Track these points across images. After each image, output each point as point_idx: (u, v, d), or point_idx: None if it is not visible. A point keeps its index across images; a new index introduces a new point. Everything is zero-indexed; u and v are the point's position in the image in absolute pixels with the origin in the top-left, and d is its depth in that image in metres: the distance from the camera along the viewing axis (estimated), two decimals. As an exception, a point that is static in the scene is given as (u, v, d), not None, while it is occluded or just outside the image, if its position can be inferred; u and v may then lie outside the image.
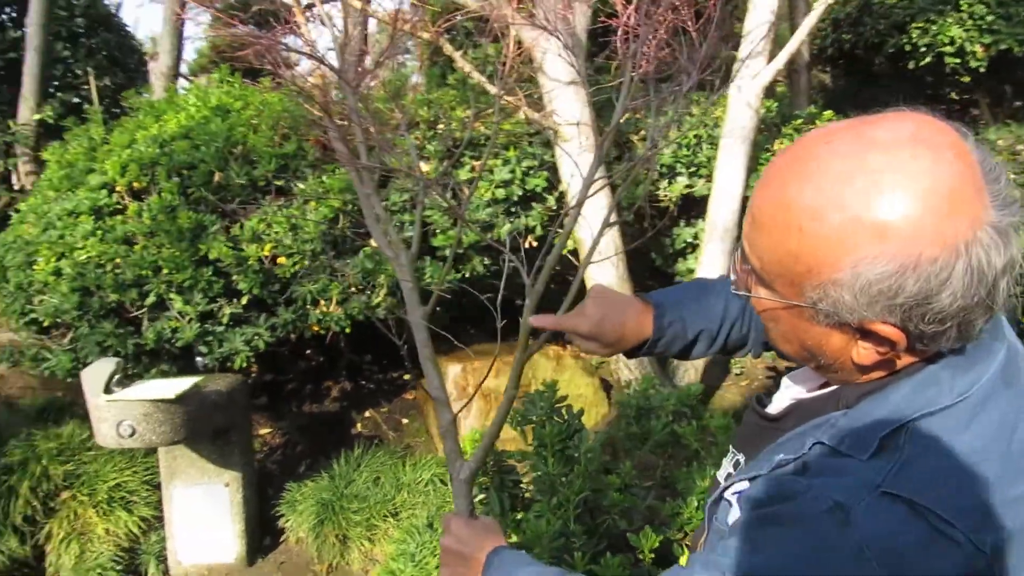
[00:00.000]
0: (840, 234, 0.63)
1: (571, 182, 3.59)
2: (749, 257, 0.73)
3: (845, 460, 0.68)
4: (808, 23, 3.71)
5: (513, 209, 3.73)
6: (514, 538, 2.22)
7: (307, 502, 3.38)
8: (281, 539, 3.51)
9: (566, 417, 2.47)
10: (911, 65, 7.44)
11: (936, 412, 0.67)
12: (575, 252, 3.73)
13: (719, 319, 1.12)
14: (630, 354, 1.15)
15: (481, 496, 2.72)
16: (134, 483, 3.36)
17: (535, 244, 3.83)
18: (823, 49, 9.16)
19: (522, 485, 2.50)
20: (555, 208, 3.76)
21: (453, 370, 3.72)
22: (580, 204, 1.19)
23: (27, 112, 5.82)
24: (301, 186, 3.52)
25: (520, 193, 3.68)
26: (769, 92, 4.11)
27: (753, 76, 3.77)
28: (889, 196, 0.62)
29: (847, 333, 0.69)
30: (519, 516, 2.34)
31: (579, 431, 2.43)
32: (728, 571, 0.69)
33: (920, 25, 7.17)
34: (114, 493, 3.30)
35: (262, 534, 3.52)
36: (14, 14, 6.77)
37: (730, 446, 0.96)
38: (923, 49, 7.20)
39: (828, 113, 4.74)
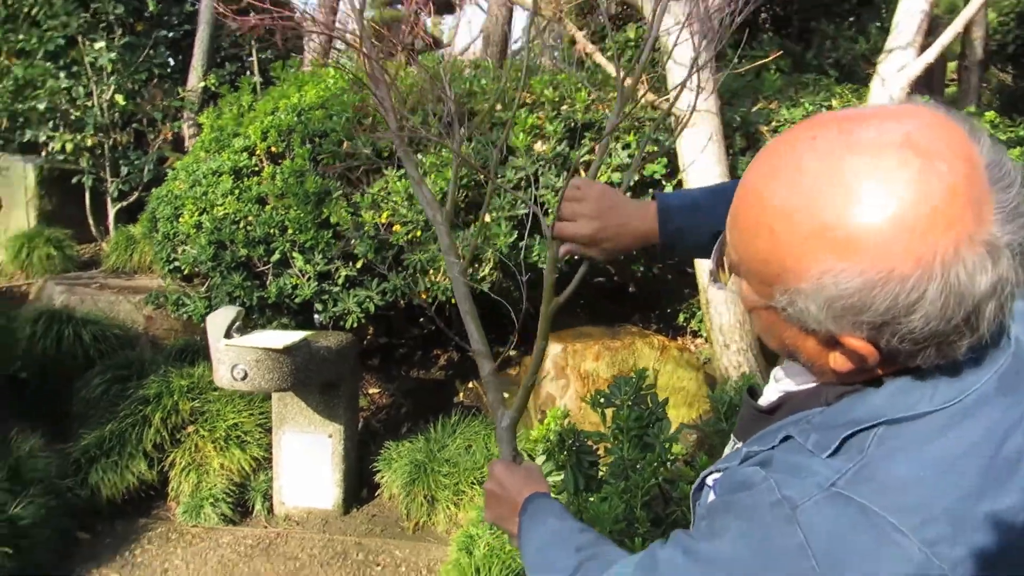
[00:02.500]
0: (808, 242, 0.59)
1: (689, 170, 3.50)
2: (728, 249, 0.71)
3: (806, 457, 0.65)
4: (966, 14, 3.40)
5: (628, 194, 3.68)
6: (582, 518, 2.22)
7: (402, 461, 3.52)
8: (376, 493, 3.69)
9: (650, 405, 2.44)
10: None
11: (913, 418, 0.63)
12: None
13: None
14: (660, 256, 1.13)
15: (558, 474, 2.74)
16: (249, 424, 3.62)
17: (647, 231, 3.78)
18: (1003, 46, 8.38)
19: (598, 467, 2.49)
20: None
21: (554, 349, 3.74)
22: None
23: (195, 80, 6.35)
24: (420, 157, 3.64)
25: (636, 178, 3.62)
26: (932, 89, 3.82)
27: (899, 69, 3.52)
28: (863, 207, 0.56)
29: (819, 341, 0.66)
30: (591, 497, 2.34)
31: (661, 419, 2.40)
32: (688, 552, 0.69)
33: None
34: (231, 432, 3.58)
35: (360, 486, 3.70)
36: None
37: (732, 434, 0.94)
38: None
39: (990, 114, 4.34)
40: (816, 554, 0.59)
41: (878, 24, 4.54)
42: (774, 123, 3.74)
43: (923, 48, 3.60)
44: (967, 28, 3.53)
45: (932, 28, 3.88)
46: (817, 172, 0.59)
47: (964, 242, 0.56)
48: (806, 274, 0.60)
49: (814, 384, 0.74)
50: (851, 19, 5.12)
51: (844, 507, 0.60)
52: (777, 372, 0.86)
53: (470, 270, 3.49)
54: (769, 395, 0.83)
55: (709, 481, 0.79)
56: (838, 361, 0.65)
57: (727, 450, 0.94)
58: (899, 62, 3.51)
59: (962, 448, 0.61)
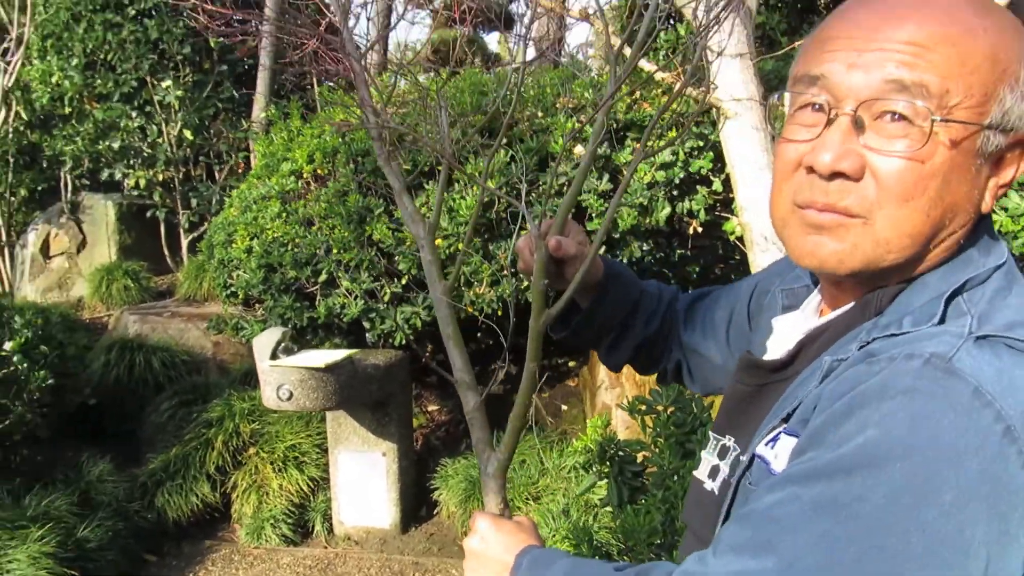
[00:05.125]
0: (1011, 27, 0.61)
1: (737, 162, 3.34)
2: (919, 99, 0.60)
3: (913, 333, 0.60)
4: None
5: (675, 192, 3.55)
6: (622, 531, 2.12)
7: (457, 478, 3.48)
8: (435, 511, 3.65)
9: (694, 410, 2.32)
10: None
11: (979, 281, 0.64)
12: (742, 238, 3.46)
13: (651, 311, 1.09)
14: (556, 327, 1.10)
15: (603, 484, 2.63)
16: (307, 445, 3.66)
17: (699, 229, 3.63)
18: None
19: (643, 477, 2.38)
20: (721, 191, 3.52)
21: (606, 358, 3.63)
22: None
23: (258, 111, 6.55)
24: (460, 171, 3.61)
25: (682, 175, 3.49)
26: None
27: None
28: None
29: (994, 165, 0.64)
30: (630, 509, 2.23)
31: (704, 424, 2.27)
32: (810, 477, 0.56)
33: None
34: (289, 453, 3.62)
35: (418, 505, 3.68)
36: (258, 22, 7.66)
37: (711, 434, 0.83)
38: None
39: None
40: (997, 396, 0.53)
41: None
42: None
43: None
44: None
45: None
46: None
47: None
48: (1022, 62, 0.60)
49: (846, 307, 0.70)
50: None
51: (994, 347, 0.57)
52: (774, 323, 0.81)
53: (514, 281, 3.43)
54: (782, 346, 0.75)
55: (761, 450, 0.67)
56: (987, 198, 0.64)
57: (706, 455, 0.83)
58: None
59: None
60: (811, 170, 0.64)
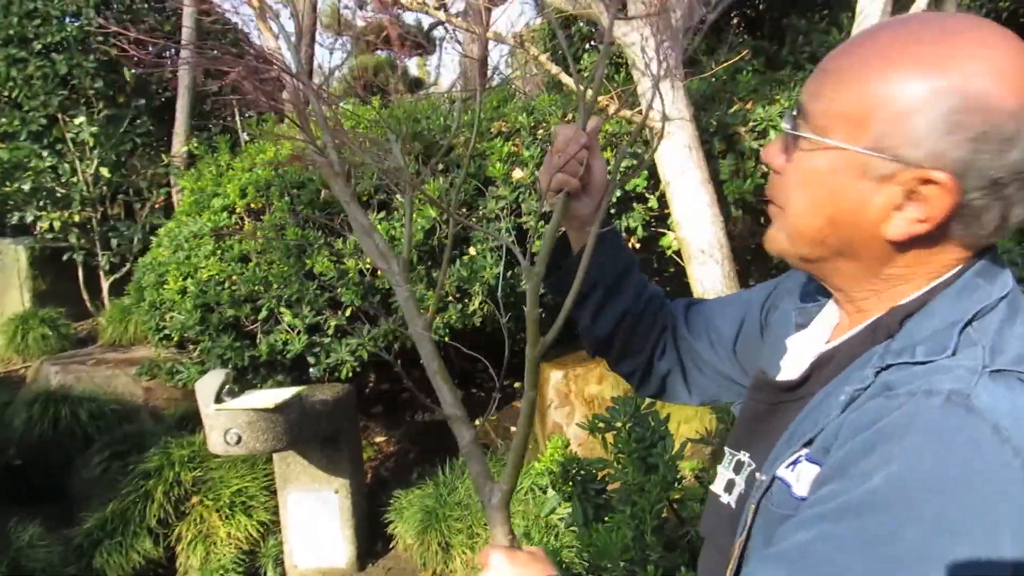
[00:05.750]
0: (940, 48, 0.62)
1: (672, 180, 3.43)
2: (807, 112, 0.69)
3: (929, 365, 0.62)
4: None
5: (612, 211, 3.62)
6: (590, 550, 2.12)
7: (412, 509, 3.42)
8: (391, 545, 3.58)
9: (652, 424, 2.35)
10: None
11: (987, 311, 0.65)
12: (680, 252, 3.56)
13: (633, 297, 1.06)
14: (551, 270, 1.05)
15: (566, 506, 2.63)
16: (254, 488, 3.54)
17: (638, 246, 3.70)
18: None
19: (606, 495, 2.39)
20: (657, 208, 3.61)
21: (555, 376, 3.65)
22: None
23: (178, 145, 6.36)
24: (400, 198, 3.59)
25: (619, 194, 3.56)
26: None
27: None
28: (989, 36, 0.62)
29: (893, 190, 0.65)
30: (599, 528, 2.24)
31: (664, 438, 2.30)
32: (843, 513, 0.58)
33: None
34: (236, 498, 3.49)
35: (373, 540, 3.60)
36: (173, 54, 7.46)
37: (726, 449, 0.85)
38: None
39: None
40: (1013, 433, 0.55)
41: (848, 14, 4.50)
42: (751, 123, 3.67)
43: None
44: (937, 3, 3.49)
45: (898, 10, 3.82)
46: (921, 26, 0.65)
47: None
48: (941, 75, 0.62)
49: (859, 328, 0.72)
50: (823, 12, 5.08)
51: (1007, 381, 0.59)
52: (788, 342, 0.82)
53: (459, 306, 3.42)
54: (795, 366, 0.77)
55: (782, 472, 0.69)
56: (896, 224, 0.65)
57: (722, 470, 0.84)
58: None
59: None
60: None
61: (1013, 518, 0.54)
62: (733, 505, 0.79)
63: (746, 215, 3.75)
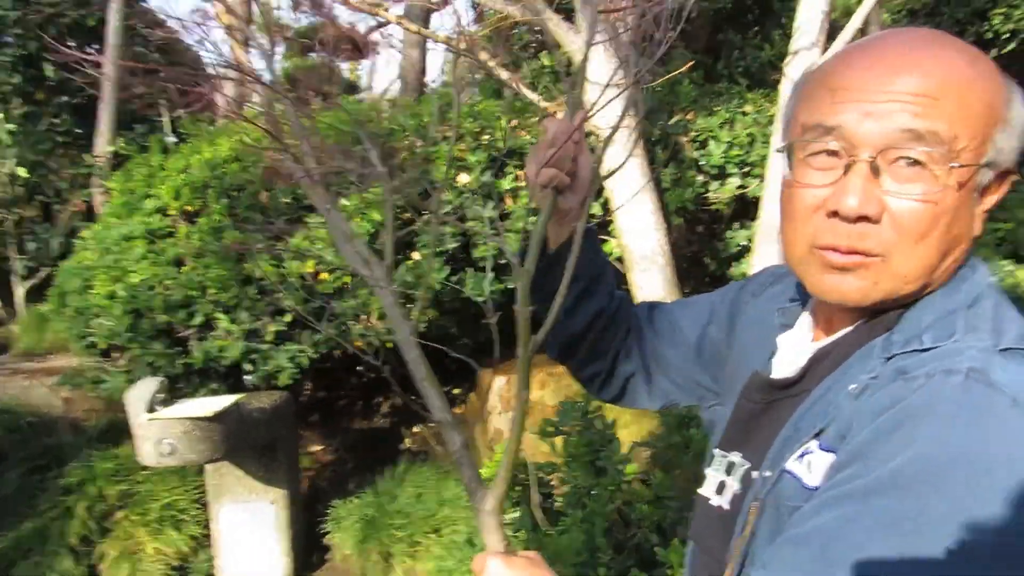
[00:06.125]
0: (996, 73, 0.67)
1: (616, 188, 3.47)
2: (933, 146, 0.65)
3: (937, 350, 0.64)
4: (862, 11, 3.49)
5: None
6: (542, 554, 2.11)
7: (351, 519, 3.34)
8: (327, 557, 3.49)
9: (599, 427, 2.36)
10: (993, 54, 6.99)
11: (981, 298, 0.68)
12: (621, 259, 3.60)
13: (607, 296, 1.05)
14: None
15: (513, 511, 2.61)
16: (184, 502, 3.39)
17: (581, 253, 3.73)
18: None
19: (554, 498, 2.39)
20: (600, 214, 3.64)
21: (498, 382, 3.63)
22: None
23: (102, 144, 6.09)
24: (344, 202, 3.52)
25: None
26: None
27: (807, 68, 3.58)
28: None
29: (991, 198, 0.70)
30: (550, 531, 2.23)
31: (611, 441, 2.31)
32: (869, 493, 0.58)
33: (1002, 11, 6.75)
34: (164, 512, 3.34)
35: (310, 551, 3.50)
36: (97, 51, 7.15)
37: (715, 451, 0.84)
38: (1006, 36, 6.77)
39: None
40: None
41: (779, 31, 4.66)
42: (692, 133, 3.76)
43: (825, 48, 3.69)
44: (864, 25, 3.64)
45: (831, 31, 3.99)
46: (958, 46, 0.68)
47: None
48: (1010, 100, 0.67)
49: (857, 324, 0.74)
50: (755, 28, 5.24)
51: (1017, 358, 0.62)
52: (779, 340, 0.82)
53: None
54: (792, 363, 0.77)
55: (791, 465, 0.68)
56: (978, 223, 0.69)
57: (712, 472, 0.83)
58: (806, 62, 3.57)
59: None
60: (834, 214, 0.68)
61: None
62: (726, 507, 0.79)
63: (685, 223, 3.83)
